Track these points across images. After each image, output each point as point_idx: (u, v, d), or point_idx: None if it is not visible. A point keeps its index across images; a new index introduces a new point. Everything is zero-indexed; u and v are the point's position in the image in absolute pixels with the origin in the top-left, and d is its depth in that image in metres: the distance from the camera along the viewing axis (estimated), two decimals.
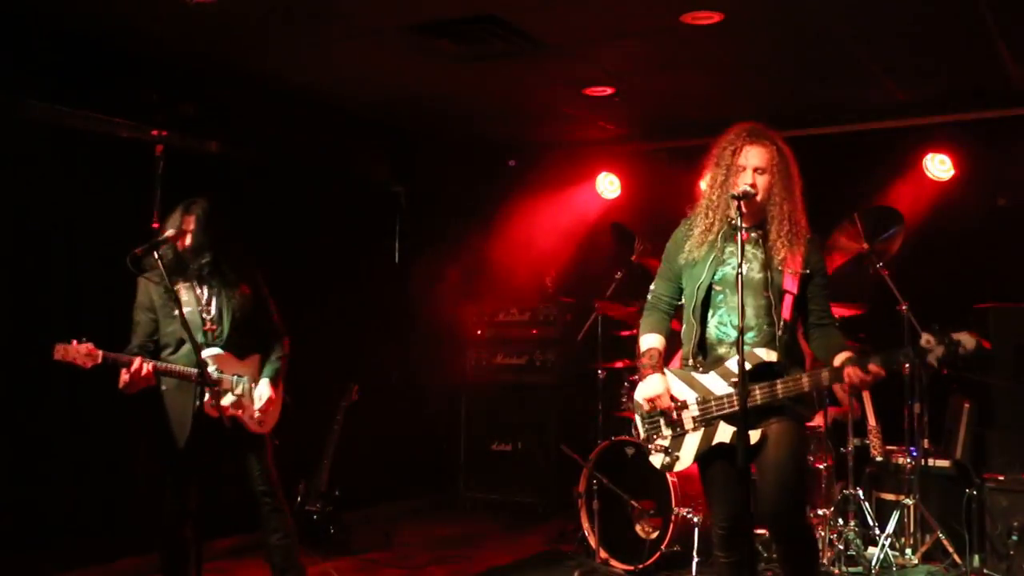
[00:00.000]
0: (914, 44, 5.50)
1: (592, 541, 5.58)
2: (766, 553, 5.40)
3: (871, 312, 5.77)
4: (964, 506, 5.31)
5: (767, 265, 3.55)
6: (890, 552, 5.40)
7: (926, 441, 5.66)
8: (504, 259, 7.74)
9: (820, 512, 5.35)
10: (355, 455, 6.62)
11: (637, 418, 3.73)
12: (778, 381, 3.45)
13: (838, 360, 3.44)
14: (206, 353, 4.23)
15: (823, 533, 5.32)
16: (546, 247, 7.91)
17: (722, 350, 3.58)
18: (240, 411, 4.27)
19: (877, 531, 5.51)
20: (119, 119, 5.46)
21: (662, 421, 3.65)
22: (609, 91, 6.42)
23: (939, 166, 6.69)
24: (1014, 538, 5.14)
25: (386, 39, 5.34)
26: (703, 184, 3.72)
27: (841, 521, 5.51)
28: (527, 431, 7.52)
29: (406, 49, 5.50)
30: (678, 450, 3.59)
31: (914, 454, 5.61)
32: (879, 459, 5.85)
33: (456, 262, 7.55)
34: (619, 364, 6.33)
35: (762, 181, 3.54)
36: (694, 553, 5.34)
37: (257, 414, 4.30)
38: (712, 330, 3.61)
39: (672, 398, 3.62)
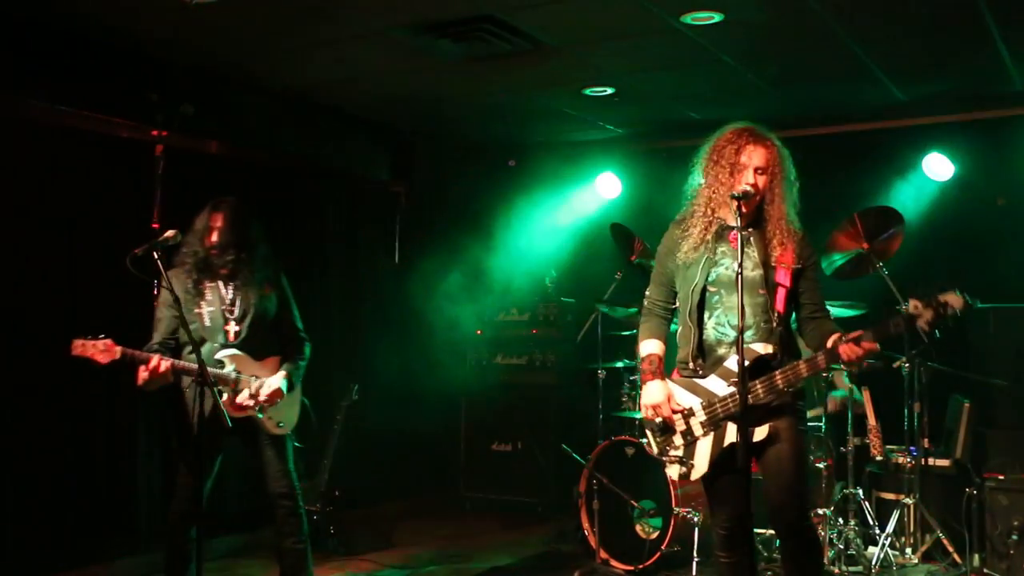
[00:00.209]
0: (914, 44, 5.50)
1: (592, 541, 5.58)
2: (766, 553, 5.41)
3: (871, 312, 5.77)
4: (964, 506, 5.31)
5: (761, 263, 3.56)
6: (890, 552, 5.40)
7: (926, 441, 5.66)
8: (504, 259, 7.74)
9: (820, 512, 5.35)
10: (355, 455, 6.62)
11: (648, 433, 3.73)
12: (776, 372, 3.45)
13: (830, 342, 3.45)
14: (224, 353, 4.26)
15: (823, 533, 5.32)
16: (546, 247, 7.92)
17: (721, 351, 3.59)
18: (255, 410, 4.27)
19: (877, 531, 5.51)
20: (119, 119, 5.45)
21: (673, 432, 3.63)
22: (609, 91, 6.42)
23: (939, 166, 6.69)
24: (1014, 538, 5.14)
25: (386, 39, 5.34)
26: (695, 183, 3.71)
27: (841, 521, 5.51)
28: (527, 431, 7.52)
29: (406, 49, 5.50)
30: (692, 458, 3.58)
31: (914, 454, 5.61)
32: (879, 459, 5.85)
33: (456, 262, 7.55)
34: (619, 364, 6.35)
35: (761, 181, 3.56)
36: (694, 553, 5.34)
37: (262, 397, 4.25)
38: (710, 331, 3.61)
39: (675, 408, 3.61)
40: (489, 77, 6.12)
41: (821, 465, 5.54)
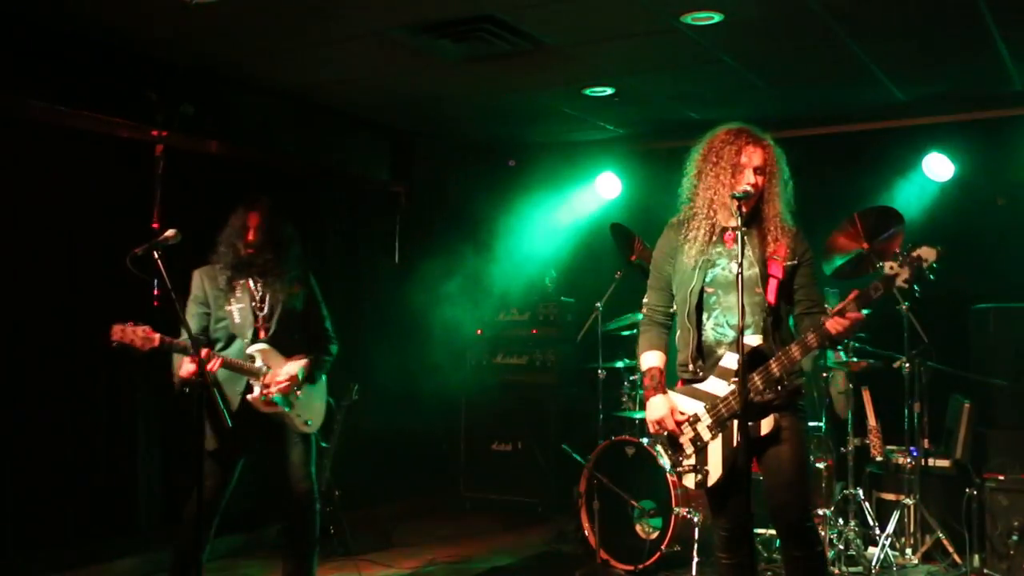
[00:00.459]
0: (914, 44, 5.50)
1: (592, 541, 5.58)
2: (766, 553, 5.41)
3: (871, 312, 5.76)
4: (964, 506, 5.31)
5: (757, 262, 3.55)
6: (890, 552, 5.40)
7: (926, 441, 5.66)
8: (504, 259, 7.74)
9: (820, 512, 5.35)
10: (355, 455, 6.62)
11: (659, 448, 3.72)
12: (771, 360, 3.45)
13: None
14: (255, 348, 4.32)
15: (823, 533, 5.32)
16: (546, 247, 7.92)
17: (721, 351, 3.58)
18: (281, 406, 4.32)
19: (877, 531, 5.51)
20: (119, 119, 5.45)
21: (682, 440, 3.62)
22: (609, 91, 6.42)
23: (939, 166, 6.69)
24: (1014, 538, 5.14)
25: (385, 39, 5.34)
26: (690, 184, 3.70)
27: (841, 521, 5.51)
28: (527, 431, 7.52)
29: (406, 49, 5.50)
30: (706, 464, 3.56)
31: (914, 454, 5.61)
32: (879, 459, 5.85)
33: (456, 262, 7.55)
34: (619, 364, 6.35)
35: (759, 181, 3.56)
36: (694, 553, 5.34)
37: (280, 379, 4.31)
38: (709, 333, 3.61)
39: (679, 420, 3.61)
40: (489, 77, 6.12)
41: (821, 465, 5.54)
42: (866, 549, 5.49)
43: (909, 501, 5.55)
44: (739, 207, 3.41)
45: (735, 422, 3.50)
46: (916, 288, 3.36)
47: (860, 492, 5.63)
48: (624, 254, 6.27)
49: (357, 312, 7.34)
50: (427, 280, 7.41)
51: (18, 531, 5.11)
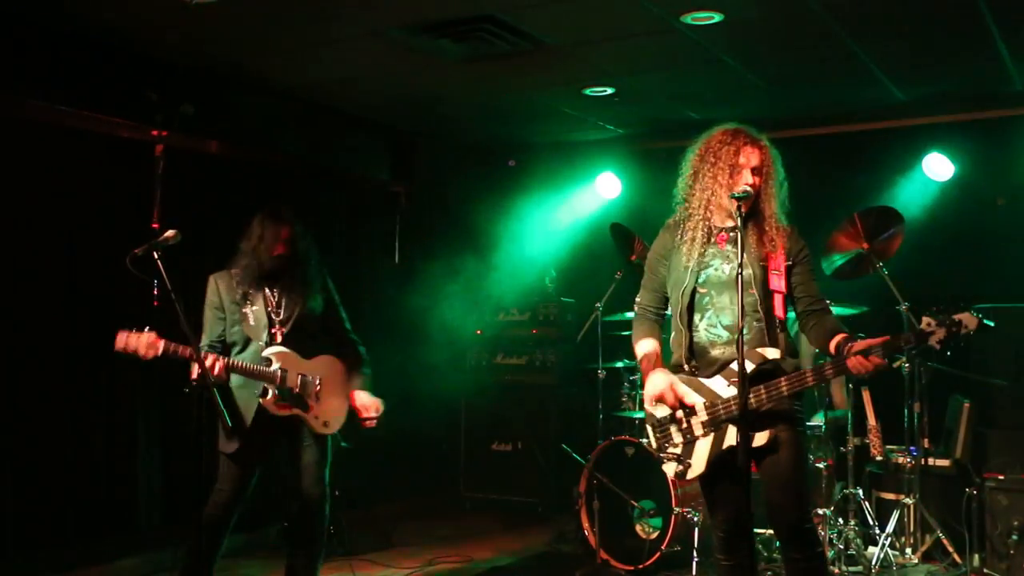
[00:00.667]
0: (914, 44, 5.50)
1: (592, 541, 5.58)
2: (766, 553, 5.41)
3: (871, 312, 5.77)
4: (964, 506, 5.31)
5: (751, 262, 3.55)
6: (890, 552, 5.40)
7: (926, 441, 5.66)
8: (504, 259, 7.74)
9: (820, 512, 5.35)
10: (355, 455, 6.60)
11: (648, 428, 3.71)
12: (783, 379, 3.44)
13: (834, 344, 3.44)
14: (271, 350, 4.29)
15: (823, 533, 5.32)
16: (546, 247, 7.92)
17: (715, 352, 3.57)
18: (301, 409, 4.32)
19: (877, 531, 5.51)
20: (119, 119, 5.45)
21: (672, 429, 3.62)
22: (609, 91, 6.42)
23: (939, 166, 6.69)
24: (1014, 538, 5.14)
25: (385, 39, 5.34)
26: (685, 185, 3.69)
27: (841, 521, 5.51)
28: (527, 431, 7.52)
29: (406, 49, 5.50)
30: (690, 457, 3.56)
31: (914, 454, 5.61)
32: (879, 459, 5.85)
33: (456, 262, 7.54)
34: (619, 364, 6.34)
35: (757, 181, 3.56)
36: (694, 553, 5.34)
37: (371, 416, 4.48)
38: (702, 333, 3.60)
39: (679, 395, 3.58)
40: (489, 77, 6.12)
41: (821, 465, 5.54)
42: (866, 549, 5.49)
43: (909, 501, 5.55)
44: (739, 207, 3.41)
45: (729, 426, 3.49)
46: (948, 351, 3.32)
47: (860, 492, 5.63)
48: (624, 254, 6.27)
49: (357, 312, 7.27)
50: (427, 280, 7.41)
51: (18, 531, 5.12)
